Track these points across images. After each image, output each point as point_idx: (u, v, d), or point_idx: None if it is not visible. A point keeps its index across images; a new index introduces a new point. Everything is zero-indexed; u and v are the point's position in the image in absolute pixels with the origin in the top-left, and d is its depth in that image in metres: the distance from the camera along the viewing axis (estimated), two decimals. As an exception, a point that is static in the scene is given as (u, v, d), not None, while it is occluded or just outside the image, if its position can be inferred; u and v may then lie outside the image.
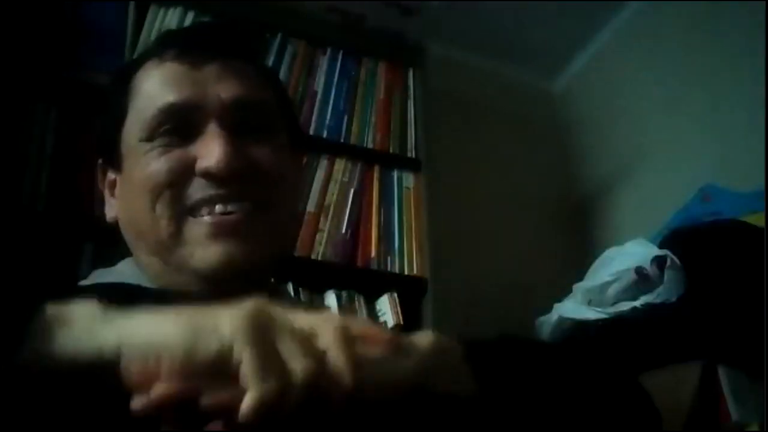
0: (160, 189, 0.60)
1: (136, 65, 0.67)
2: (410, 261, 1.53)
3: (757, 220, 1.32)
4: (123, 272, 0.64)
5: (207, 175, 0.60)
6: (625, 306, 1.28)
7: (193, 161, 0.60)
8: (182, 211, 0.60)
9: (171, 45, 0.66)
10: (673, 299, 1.22)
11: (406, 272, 1.51)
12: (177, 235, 0.60)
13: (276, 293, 0.68)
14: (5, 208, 1.18)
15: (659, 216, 1.64)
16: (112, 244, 0.67)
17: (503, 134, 2.14)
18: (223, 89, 0.63)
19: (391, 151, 1.64)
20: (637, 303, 1.26)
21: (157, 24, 1.44)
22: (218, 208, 0.60)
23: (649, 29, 1.94)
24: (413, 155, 1.66)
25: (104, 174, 0.69)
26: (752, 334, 1.08)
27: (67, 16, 1.38)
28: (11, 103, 1.26)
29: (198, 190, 0.60)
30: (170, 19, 1.45)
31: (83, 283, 0.64)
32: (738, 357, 1.13)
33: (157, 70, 0.65)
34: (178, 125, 0.61)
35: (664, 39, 1.88)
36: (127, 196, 0.64)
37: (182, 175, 0.60)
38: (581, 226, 1.98)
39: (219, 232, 0.59)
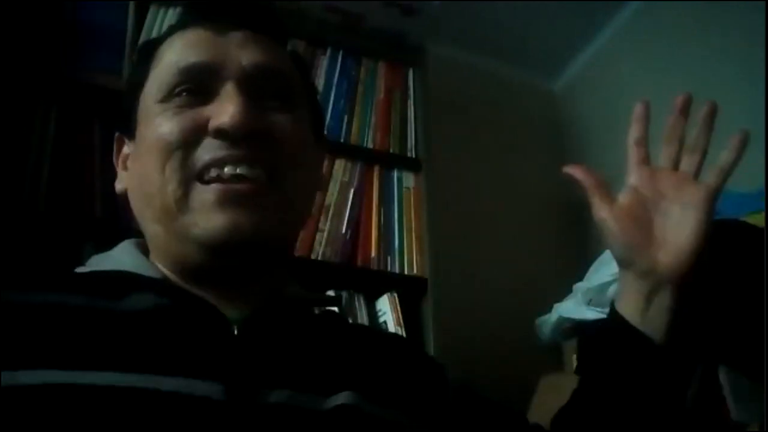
0: (171, 150, 0.57)
1: (161, 39, 0.66)
2: (410, 261, 1.53)
3: (757, 220, 1.31)
4: (121, 258, 0.62)
5: (219, 133, 0.57)
6: (625, 306, 1.27)
7: (206, 121, 0.58)
8: (191, 175, 0.57)
9: (197, 13, 0.65)
10: (673, 299, 1.22)
11: (406, 272, 1.51)
12: (183, 201, 0.57)
13: (284, 281, 0.65)
14: (5, 208, 1.17)
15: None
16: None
17: (503, 134, 2.14)
18: (244, 55, 0.61)
19: (391, 151, 1.64)
20: (637, 303, 1.25)
21: (157, 24, 1.44)
22: (228, 169, 0.57)
23: (649, 29, 1.94)
24: (413, 155, 1.66)
25: (120, 147, 0.67)
26: (752, 335, 1.08)
27: (67, 16, 1.38)
28: (11, 103, 1.26)
29: (208, 150, 0.57)
30: (170, 19, 1.45)
31: (80, 269, 0.62)
32: (738, 358, 1.13)
33: (181, 37, 0.63)
34: (196, 86, 0.60)
35: (664, 39, 1.88)
36: (138, 161, 0.61)
37: (194, 135, 0.58)
38: (581, 226, 1.97)
39: (226, 200, 0.56)
